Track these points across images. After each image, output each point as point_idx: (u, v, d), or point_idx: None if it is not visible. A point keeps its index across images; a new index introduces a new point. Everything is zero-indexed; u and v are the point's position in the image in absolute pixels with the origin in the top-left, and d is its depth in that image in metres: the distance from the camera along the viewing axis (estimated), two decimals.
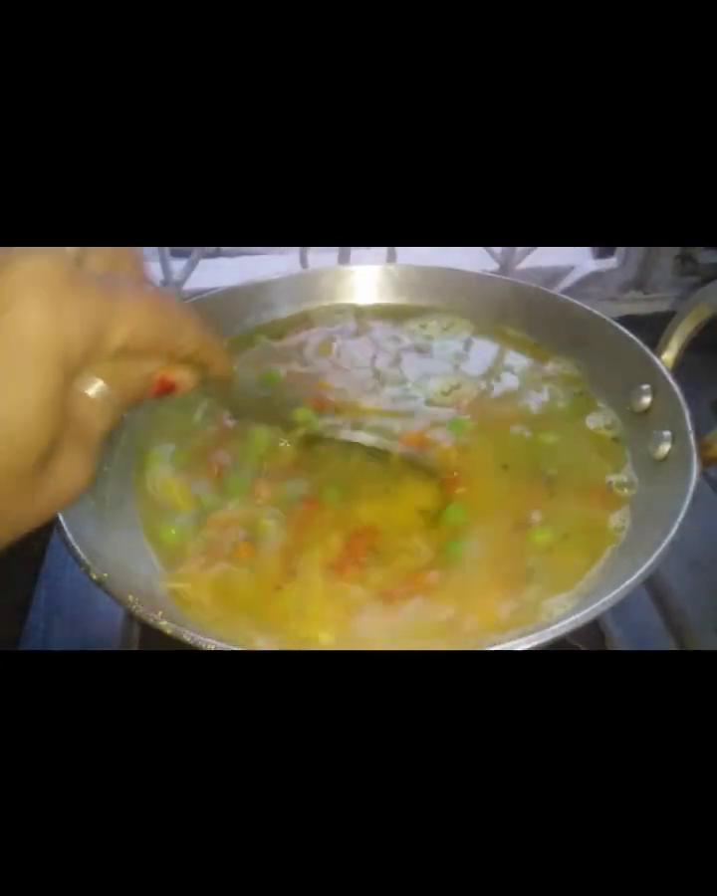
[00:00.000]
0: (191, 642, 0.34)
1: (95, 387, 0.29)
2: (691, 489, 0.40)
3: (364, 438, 0.49)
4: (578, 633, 0.35)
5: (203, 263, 0.67)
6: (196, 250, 0.66)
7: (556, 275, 0.76)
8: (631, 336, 0.52)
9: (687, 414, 0.45)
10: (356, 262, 0.66)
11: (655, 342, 0.50)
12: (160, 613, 0.35)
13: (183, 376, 0.32)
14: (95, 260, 0.30)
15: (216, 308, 0.61)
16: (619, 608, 0.36)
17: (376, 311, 0.63)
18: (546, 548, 0.43)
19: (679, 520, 0.39)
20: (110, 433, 0.30)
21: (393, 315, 0.62)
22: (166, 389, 0.32)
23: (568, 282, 0.75)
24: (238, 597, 0.42)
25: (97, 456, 0.30)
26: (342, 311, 0.63)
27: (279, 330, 0.61)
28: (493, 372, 0.57)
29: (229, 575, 0.42)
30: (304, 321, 0.62)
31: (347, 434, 0.50)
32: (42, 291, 0.25)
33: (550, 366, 0.56)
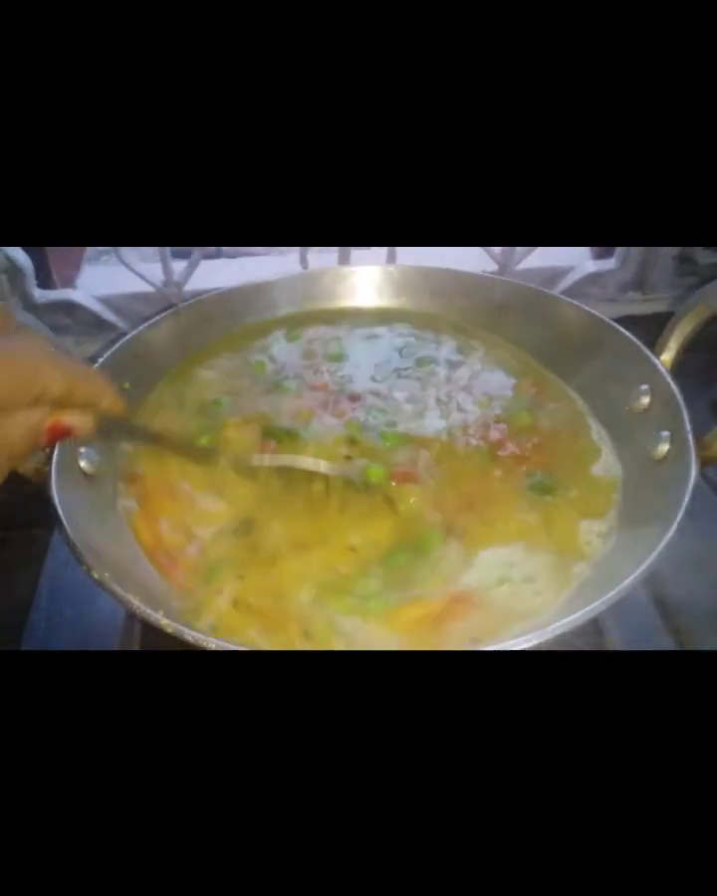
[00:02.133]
0: (192, 642, 0.34)
1: None
2: (690, 488, 0.40)
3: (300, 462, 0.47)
4: (577, 633, 0.35)
5: (203, 264, 0.67)
6: (197, 250, 0.66)
7: (555, 275, 0.76)
8: (630, 336, 0.52)
9: (685, 414, 0.45)
10: (355, 263, 0.66)
11: (654, 343, 0.50)
12: (161, 612, 0.35)
13: (75, 420, 0.32)
14: None
15: (216, 308, 0.61)
16: (619, 608, 0.36)
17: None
18: None
19: (678, 519, 0.39)
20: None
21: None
22: (60, 434, 0.32)
23: (567, 282, 0.75)
24: None
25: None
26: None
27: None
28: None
29: None
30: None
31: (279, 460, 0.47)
32: None
33: None
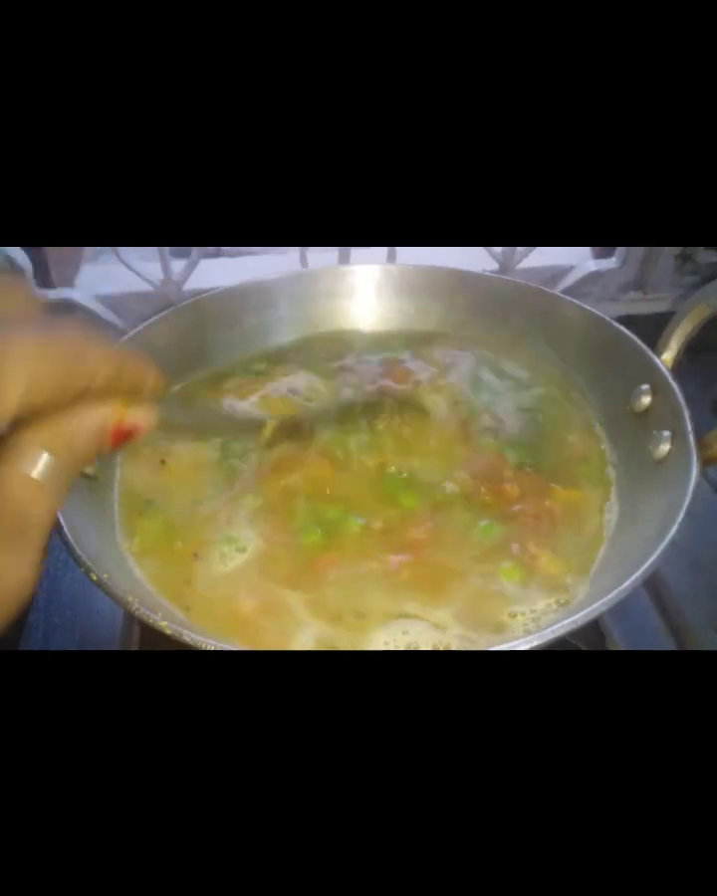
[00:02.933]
0: (191, 642, 0.34)
1: (40, 463, 0.24)
2: (691, 489, 0.40)
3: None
4: (577, 633, 0.35)
5: (203, 263, 0.67)
6: (196, 250, 0.66)
7: (556, 275, 0.76)
8: (631, 335, 0.52)
9: (686, 414, 0.45)
10: (355, 262, 0.66)
11: (655, 343, 0.50)
12: (160, 613, 0.35)
13: (138, 415, 0.27)
14: None
15: (216, 308, 0.61)
16: (619, 608, 0.36)
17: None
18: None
19: (679, 520, 0.39)
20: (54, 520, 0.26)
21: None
22: (126, 434, 0.27)
23: (568, 282, 0.75)
24: None
25: (40, 549, 0.24)
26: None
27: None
28: None
29: None
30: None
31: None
32: None
33: None
